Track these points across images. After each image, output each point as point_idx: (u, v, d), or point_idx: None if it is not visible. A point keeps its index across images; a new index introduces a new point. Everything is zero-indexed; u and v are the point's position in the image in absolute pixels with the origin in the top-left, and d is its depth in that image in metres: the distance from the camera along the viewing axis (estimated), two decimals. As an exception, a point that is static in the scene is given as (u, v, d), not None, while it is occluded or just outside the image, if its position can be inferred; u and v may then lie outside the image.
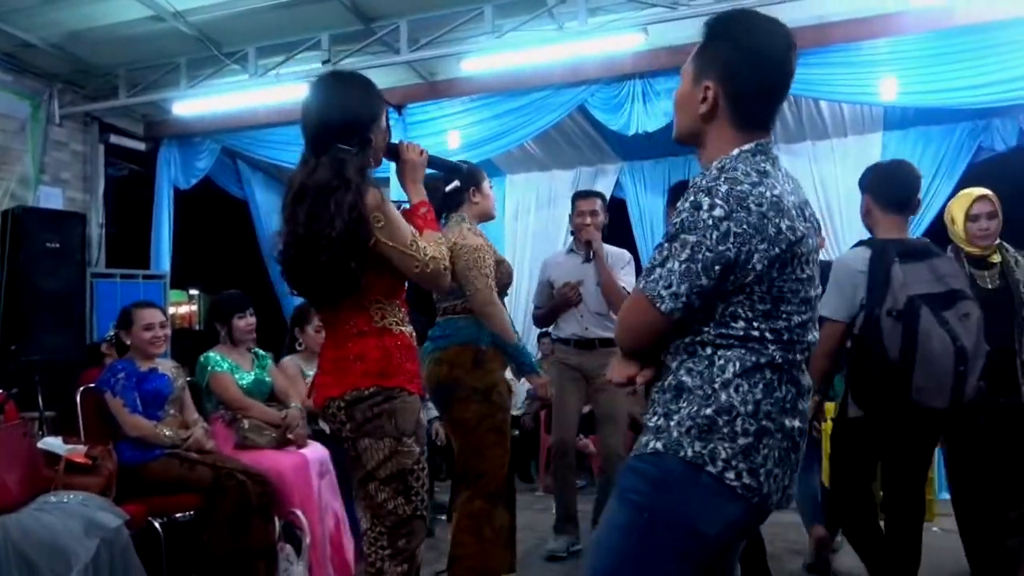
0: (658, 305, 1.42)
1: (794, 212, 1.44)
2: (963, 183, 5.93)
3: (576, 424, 4.13)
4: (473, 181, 3.18)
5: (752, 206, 1.38)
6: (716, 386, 1.42)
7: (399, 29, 5.23)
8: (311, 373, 4.15)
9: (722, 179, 1.41)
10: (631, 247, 6.70)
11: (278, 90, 5.71)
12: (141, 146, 6.72)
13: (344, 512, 3.67)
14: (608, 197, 6.84)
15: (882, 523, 2.77)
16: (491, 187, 3.28)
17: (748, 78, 1.47)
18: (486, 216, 3.25)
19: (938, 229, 5.98)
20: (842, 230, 6.15)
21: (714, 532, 1.43)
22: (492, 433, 3.02)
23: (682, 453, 1.42)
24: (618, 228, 6.75)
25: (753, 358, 1.43)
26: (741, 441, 1.41)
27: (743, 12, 1.58)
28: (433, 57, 5.47)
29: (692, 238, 1.39)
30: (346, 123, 2.04)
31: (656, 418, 1.48)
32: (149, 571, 2.90)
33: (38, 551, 2.56)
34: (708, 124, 1.51)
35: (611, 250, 4.03)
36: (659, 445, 1.45)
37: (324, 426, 4.08)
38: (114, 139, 6.53)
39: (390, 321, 2.11)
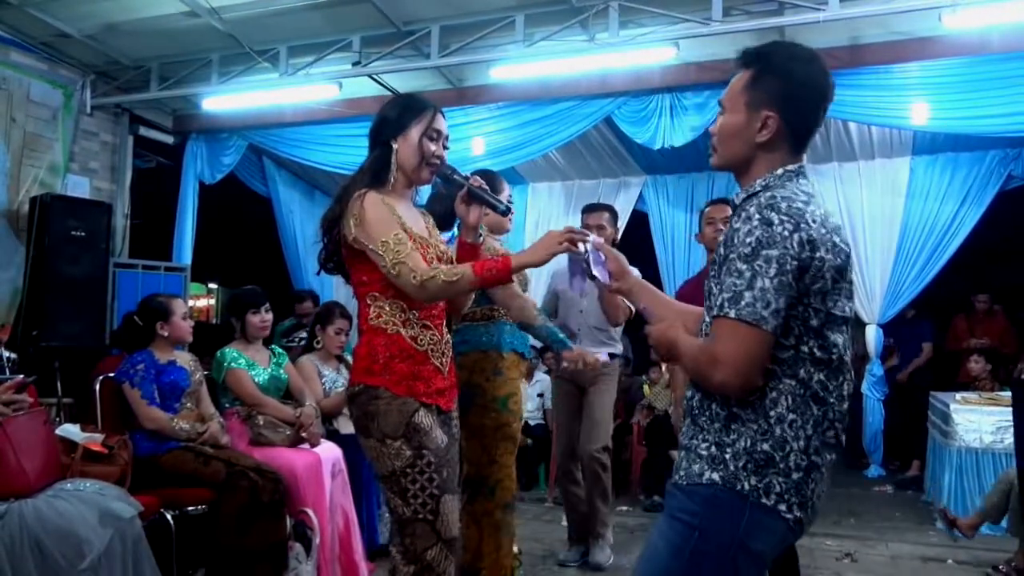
0: (765, 327, 1.41)
1: (838, 231, 1.50)
2: (991, 212, 5.88)
3: (578, 438, 4.08)
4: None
5: (811, 222, 1.44)
6: (771, 420, 1.46)
7: (430, 34, 5.24)
8: (327, 373, 4.18)
9: (779, 197, 1.46)
10: (652, 261, 6.69)
11: (307, 90, 5.74)
12: (169, 139, 6.77)
13: (355, 513, 3.67)
14: (630, 210, 6.88)
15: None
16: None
17: (805, 107, 1.56)
18: (495, 229, 3.14)
19: (961, 256, 5.94)
20: (867, 252, 6.10)
21: (761, 548, 1.47)
22: (507, 442, 3.04)
23: (739, 487, 1.46)
24: (640, 241, 6.76)
25: (801, 391, 1.46)
26: (795, 476, 1.46)
27: (784, 44, 1.67)
28: (463, 63, 5.48)
29: (775, 252, 1.40)
30: (372, 132, 2.31)
31: (709, 447, 1.51)
32: (159, 562, 2.91)
33: (51, 538, 2.57)
34: (762, 151, 1.57)
35: None
36: (716, 476, 1.48)
37: (338, 425, 4.11)
38: (143, 131, 6.58)
39: (385, 320, 2.18)
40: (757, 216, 1.44)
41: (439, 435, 2.19)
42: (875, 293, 6.12)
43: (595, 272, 1.91)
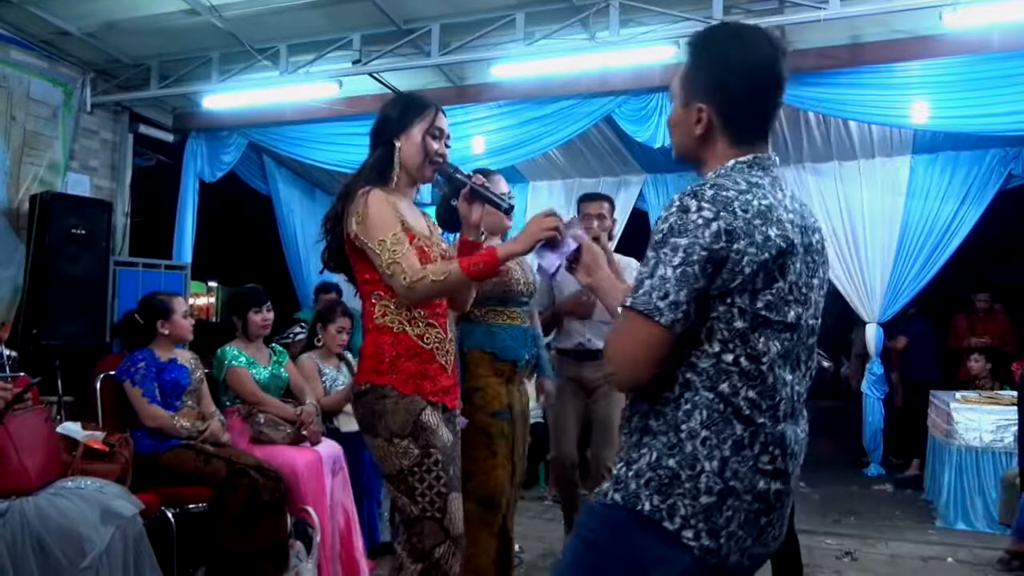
0: (657, 319, 1.28)
1: (788, 225, 1.35)
2: (991, 211, 5.88)
3: (576, 439, 4.05)
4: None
5: (738, 210, 1.31)
6: (682, 435, 1.33)
7: (431, 32, 5.24)
8: (328, 371, 4.19)
9: (708, 185, 1.35)
10: (652, 259, 6.67)
11: (307, 88, 5.73)
12: (169, 137, 6.76)
13: (355, 511, 3.68)
14: (631, 209, 6.87)
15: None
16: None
17: (739, 94, 1.43)
18: (493, 230, 3.08)
19: (961, 255, 5.94)
20: (867, 251, 6.10)
21: None
22: (478, 435, 3.02)
23: (639, 507, 1.33)
24: (640, 240, 6.75)
25: (721, 406, 1.32)
26: (704, 500, 1.31)
27: (724, 26, 1.58)
28: (463, 62, 5.47)
29: (684, 240, 1.29)
30: (374, 130, 2.32)
31: (619, 464, 1.40)
32: (160, 561, 2.91)
33: (53, 536, 2.58)
34: (705, 145, 1.48)
35: (618, 258, 3.95)
36: (617, 497, 1.36)
37: (338, 423, 4.12)
38: (143, 129, 6.57)
39: (391, 319, 2.18)
40: (676, 203, 1.34)
41: (445, 433, 2.19)
42: (875, 292, 6.12)
43: (544, 256, 1.81)
